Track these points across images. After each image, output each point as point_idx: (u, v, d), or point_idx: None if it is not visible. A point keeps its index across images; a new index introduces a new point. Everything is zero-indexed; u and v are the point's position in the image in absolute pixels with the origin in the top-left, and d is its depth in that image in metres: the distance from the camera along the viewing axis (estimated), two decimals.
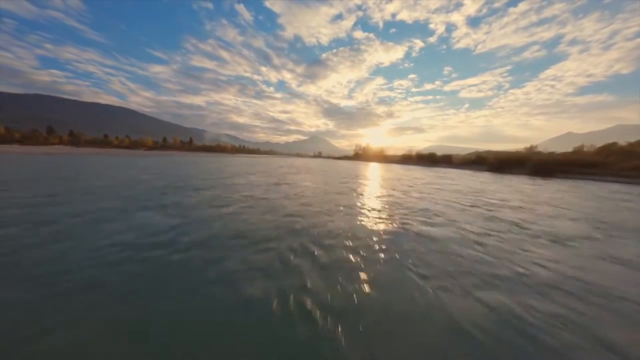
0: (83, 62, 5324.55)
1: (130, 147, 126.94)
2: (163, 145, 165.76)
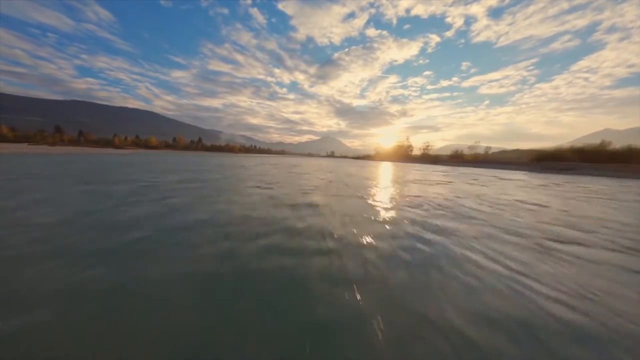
0: (113, 70, 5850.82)
1: (121, 147, 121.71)
2: (169, 145, 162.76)
